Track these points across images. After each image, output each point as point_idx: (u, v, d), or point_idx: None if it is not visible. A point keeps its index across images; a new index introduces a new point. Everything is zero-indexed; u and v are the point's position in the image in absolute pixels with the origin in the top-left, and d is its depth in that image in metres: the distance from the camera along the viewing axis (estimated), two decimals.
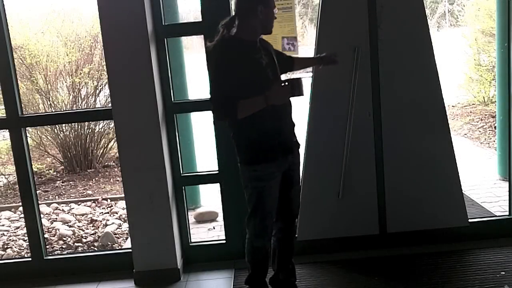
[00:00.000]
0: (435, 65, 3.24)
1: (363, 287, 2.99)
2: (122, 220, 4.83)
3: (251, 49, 2.50)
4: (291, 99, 2.54)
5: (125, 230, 4.57)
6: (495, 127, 6.26)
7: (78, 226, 4.82)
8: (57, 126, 6.53)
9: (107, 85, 5.40)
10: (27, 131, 3.51)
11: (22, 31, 6.66)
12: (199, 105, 3.38)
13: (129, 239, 3.52)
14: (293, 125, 2.66)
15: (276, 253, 2.84)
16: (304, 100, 3.27)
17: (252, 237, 2.70)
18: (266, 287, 2.86)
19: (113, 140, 6.58)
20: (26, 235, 3.80)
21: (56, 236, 4.57)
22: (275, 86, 2.42)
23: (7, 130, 3.36)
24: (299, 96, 2.42)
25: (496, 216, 3.84)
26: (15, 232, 4.81)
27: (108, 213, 5.12)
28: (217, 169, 3.36)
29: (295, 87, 2.40)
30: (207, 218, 4.53)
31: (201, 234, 4.23)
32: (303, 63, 3.00)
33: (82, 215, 5.10)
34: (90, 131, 6.68)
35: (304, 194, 3.36)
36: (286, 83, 2.41)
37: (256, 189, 2.58)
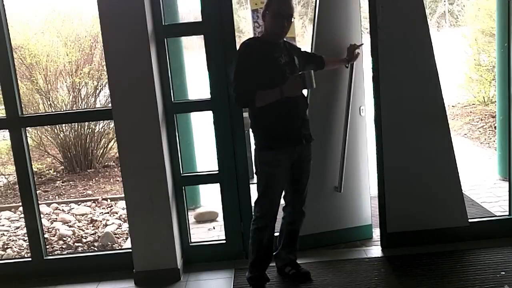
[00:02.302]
0: (435, 65, 3.24)
1: (363, 287, 2.99)
2: (122, 220, 4.83)
3: (271, 48, 2.81)
4: (305, 95, 2.88)
5: (125, 230, 4.57)
6: (495, 127, 6.26)
7: (78, 226, 4.82)
8: (57, 126, 6.53)
9: (107, 85, 5.40)
10: (27, 131, 3.51)
11: (22, 31, 6.66)
12: (199, 105, 3.38)
13: (129, 239, 3.51)
14: (305, 119, 2.91)
15: (283, 233, 3.12)
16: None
17: (257, 218, 2.91)
18: (266, 279, 2.99)
19: (113, 140, 6.57)
20: (26, 235, 3.80)
21: (56, 236, 4.57)
22: (290, 79, 2.71)
23: (7, 130, 3.36)
24: (311, 88, 2.72)
25: (496, 216, 3.84)
26: (15, 232, 4.80)
27: (108, 213, 5.11)
28: (217, 169, 3.36)
29: (306, 80, 2.67)
30: (207, 218, 4.53)
31: (201, 234, 4.23)
32: (332, 63, 3.22)
33: (82, 215, 5.10)
34: (90, 131, 6.68)
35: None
36: (299, 77, 2.68)
37: (264, 173, 2.86)
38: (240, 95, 2.76)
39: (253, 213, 2.97)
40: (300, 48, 3.08)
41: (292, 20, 2.82)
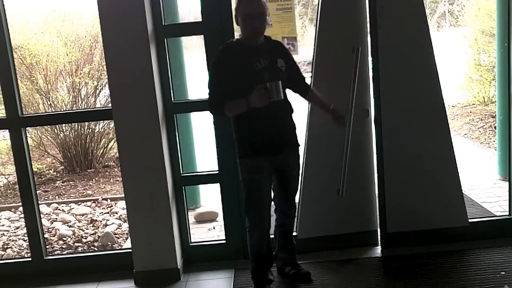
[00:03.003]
0: (435, 65, 3.24)
1: (363, 287, 2.99)
2: (122, 220, 4.83)
3: (249, 52, 2.72)
4: (288, 100, 2.77)
5: (125, 230, 4.57)
6: (495, 127, 6.25)
7: (78, 226, 4.81)
8: (57, 126, 6.52)
9: (107, 85, 5.40)
10: (27, 131, 3.51)
11: (22, 31, 6.66)
12: (199, 105, 3.38)
13: (129, 239, 3.51)
14: (287, 125, 2.83)
15: (277, 235, 3.10)
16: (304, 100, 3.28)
17: (250, 231, 2.91)
18: (268, 281, 2.95)
19: (113, 140, 6.57)
20: (26, 235, 3.80)
21: (56, 236, 4.57)
22: (255, 90, 2.58)
23: (7, 130, 3.36)
24: (278, 99, 2.57)
25: (496, 216, 3.84)
26: (15, 232, 4.80)
27: (108, 213, 5.11)
28: (217, 169, 3.36)
29: (273, 92, 2.55)
30: (207, 218, 4.53)
31: (201, 234, 4.23)
32: (317, 100, 3.01)
33: (82, 215, 5.09)
34: (90, 131, 6.68)
35: (304, 193, 3.38)
36: (265, 87, 2.55)
37: (245, 181, 2.83)
38: (211, 104, 2.75)
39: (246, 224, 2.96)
40: (290, 55, 2.91)
41: (267, 18, 2.73)
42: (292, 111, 2.86)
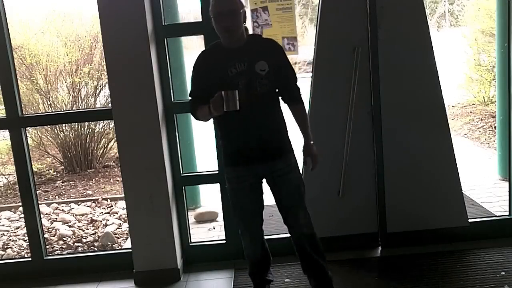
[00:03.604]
0: (435, 65, 3.24)
1: (363, 287, 2.99)
2: (122, 220, 4.83)
3: (226, 56, 2.53)
4: (271, 106, 2.58)
5: (125, 230, 4.57)
6: (495, 127, 6.26)
7: (78, 226, 4.82)
8: (57, 126, 6.53)
9: (107, 85, 5.40)
10: (27, 131, 3.51)
11: (22, 31, 6.66)
12: None
13: (129, 239, 3.51)
14: (270, 132, 2.57)
15: (296, 252, 2.76)
16: (304, 100, 3.28)
17: (240, 234, 2.81)
18: (267, 281, 2.90)
19: (113, 140, 6.57)
20: (26, 235, 3.80)
21: (56, 236, 4.57)
22: (214, 98, 2.39)
23: (7, 130, 3.36)
24: (234, 109, 2.36)
25: (496, 216, 3.84)
26: (15, 232, 4.80)
27: (108, 213, 5.11)
28: (217, 169, 3.36)
29: (229, 101, 2.36)
30: (207, 218, 4.53)
31: (201, 234, 4.23)
32: (300, 123, 2.71)
33: (82, 215, 5.10)
34: (90, 131, 6.68)
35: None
36: (221, 95, 2.37)
37: (228, 190, 2.70)
38: (190, 109, 2.67)
39: None
40: (281, 56, 2.60)
41: (242, 14, 2.47)
42: (278, 115, 2.60)
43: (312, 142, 2.72)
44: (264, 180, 2.69)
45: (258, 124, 2.54)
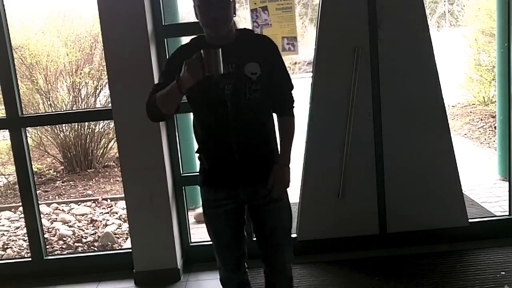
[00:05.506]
0: (435, 65, 3.24)
1: (363, 287, 2.99)
2: (122, 220, 4.83)
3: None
4: (258, 118, 2.08)
5: (125, 230, 4.57)
6: (495, 127, 6.26)
7: (78, 226, 4.82)
8: (57, 126, 6.53)
9: (107, 85, 5.40)
10: (27, 131, 3.51)
11: (22, 31, 6.67)
12: None
13: (129, 239, 3.51)
14: (255, 146, 2.09)
15: None
16: (304, 100, 3.28)
17: (218, 268, 2.37)
18: None
19: (113, 140, 6.58)
20: (26, 235, 3.81)
21: (56, 236, 4.57)
22: (187, 61, 1.86)
23: (7, 130, 3.36)
24: (216, 74, 1.83)
25: (496, 216, 3.84)
26: (15, 232, 4.81)
27: (108, 213, 5.12)
28: None
29: (211, 61, 1.81)
30: None
31: (201, 234, 4.22)
32: (281, 139, 2.18)
33: (82, 215, 5.10)
34: (90, 131, 6.69)
35: (304, 194, 3.38)
36: (198, 59, 1.83)
37: (203, 214, 2.23)
38: (146, 105, 2.14)
39: None
40: (275, 57, 2.13)
41: (232, 4, 2.02)
42: (269, 128, 2.14)
43: (289, 167, 2.14)
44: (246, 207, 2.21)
45: (245, 134, 2.06)
